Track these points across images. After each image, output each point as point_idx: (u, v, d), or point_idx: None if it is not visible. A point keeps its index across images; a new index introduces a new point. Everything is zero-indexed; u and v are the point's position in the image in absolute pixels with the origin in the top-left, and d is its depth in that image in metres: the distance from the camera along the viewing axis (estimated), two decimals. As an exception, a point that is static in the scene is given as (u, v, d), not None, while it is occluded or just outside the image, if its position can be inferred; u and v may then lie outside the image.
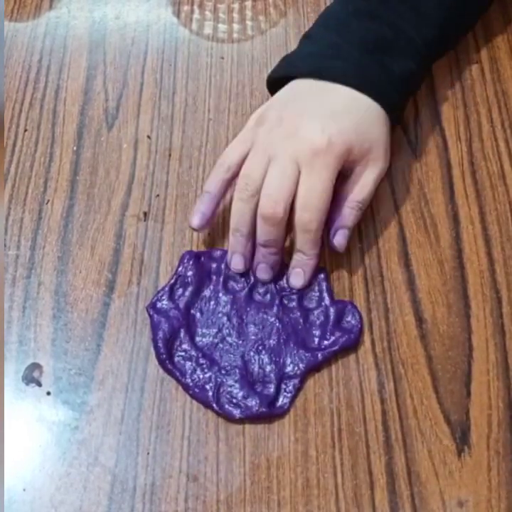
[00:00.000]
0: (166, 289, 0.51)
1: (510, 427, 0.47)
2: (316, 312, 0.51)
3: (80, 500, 0.45)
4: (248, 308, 0.51)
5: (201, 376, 0.48)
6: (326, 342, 0.49)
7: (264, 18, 0.66)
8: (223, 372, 0.49)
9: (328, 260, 0.53)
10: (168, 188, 0.56)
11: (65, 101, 0.61)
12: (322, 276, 0.52)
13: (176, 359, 0.49)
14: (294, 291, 0.51)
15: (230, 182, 0.52)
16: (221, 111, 0.60)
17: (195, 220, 0.52)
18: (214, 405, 0.47)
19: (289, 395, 0.48)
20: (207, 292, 0.52)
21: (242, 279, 0.52)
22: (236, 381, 0.48)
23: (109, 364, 0.49)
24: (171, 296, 0.51)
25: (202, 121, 0.60)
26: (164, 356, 0.49)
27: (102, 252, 0.54)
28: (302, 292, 0.51)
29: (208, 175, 0.53)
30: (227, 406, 0.47)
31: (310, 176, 0.49)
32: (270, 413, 0.47)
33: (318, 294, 0.51)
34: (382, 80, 0.53)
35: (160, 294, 0.51)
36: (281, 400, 0.48)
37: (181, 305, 0.51)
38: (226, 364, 0.49)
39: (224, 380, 0.48)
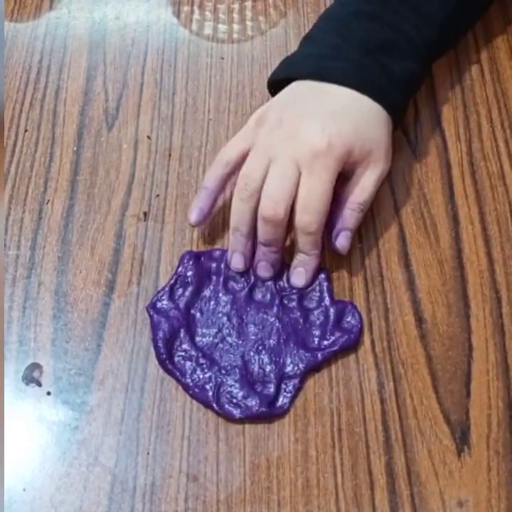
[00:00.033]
0: (166, 289, 0.51)
1: (509, 427, 0.47)
2: (316, 312, 0.51)
3: (80, 500, 0.45)
4: (248, 308, 0.51)
5: (201, 376, 0.49)
6: (325, 342, 0.49)
7: (264, 19, 0.66)
8: (223, 372, 0.49)
9: (328, 260, 0.53)
10: (168, 188, 0.57)
11: (65, 101, 0.61)
12: (323, 276, 0.52)
13: (176, 359, 0.49)
14: (294, 291, 0.51)
15: (228, 178, 0.53)
16: (221, 111, 0.60)
17: (193, 216, 0.53)
18: (214, 405, 0.47)
19: (288, 395, 0.48)
20: (207, 292, 0.52)
21: (242, 279, 0.52)
22: (236, 381, 0.48)
23: (109, 364, 0.49)
24: (171, 296, 0.51)
25: (202, 122, 0.60)
26: (164, 356, 0.49)
27: (102, 252, 0.54)
28: (302, 292, 0.51)
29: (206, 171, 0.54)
30: (227, 406, 0.47)
31: (310, 177, 0.49)
32: (270, 413, 0.47)
33: (318, 294, 0.51)
34: (382, 81, 0.53)
35: (160, 294, 0.51)
36: (281, 400, 0.48)
37: (181, 305, 0.51)
38: (226, 364, 0.49)
39: (224, 380, 0.48)
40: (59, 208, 0.56)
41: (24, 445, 0.47)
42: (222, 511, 0.45)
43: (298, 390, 0.48)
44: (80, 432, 0.47)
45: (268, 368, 0.49)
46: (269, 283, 0.52)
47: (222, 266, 0.52)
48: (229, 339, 0.50)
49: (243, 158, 0.51)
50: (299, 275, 0.51)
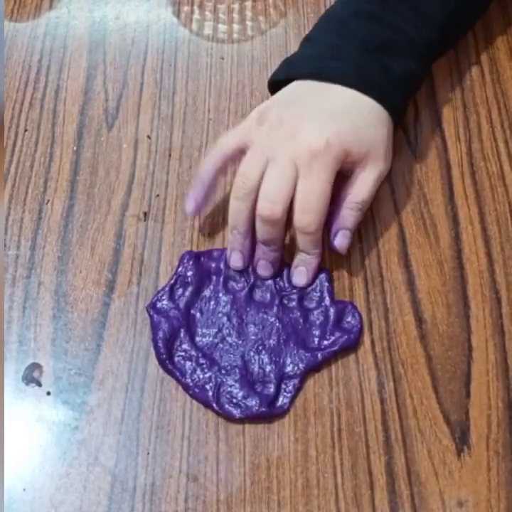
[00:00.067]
0: (166, 289, 0.51)
1: (509, 427, 0.47)
2: (315, 312, 0.51)
3: (80, 500, 0.45)
4: (248, 308, 0.51)
5: (201, 376, 0.49)
6: (325, 342, 0.49)
7: (264, 19, 0.66)
8: (223, 372, 0.49)
9: (329, 260, 0.53)
10: (168, 188, 0.57)
11: (65, 101, 0.61)
12: (324, 276, 0.52)
13: (176, 359, 0.49)
14: (294, 291, 0.51)
15: (223, 170, 0.53)
16: (221, 111, 0.60)
17: (188, 207, 0.53)
18: (214, 405, 0.47)
19: (288, 394, 0.48)
20: (207, 292, 0.52)
21: (242, 279, 0.52)
22: (236, 381, 0.48)
23: (109, 364, 0.49)
24: (171, 296, 0.51)
25: (202, 121, 0.60)
26: (164, 356, 0.49)
27: (102, 252, 0.54)
28: (302, 292, 0.51)
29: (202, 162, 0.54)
30: (227, 406, 0.47)
31: (308, 177, 0.49)
32: (270, 413, 0.47)
33: (318, 294, 0.51)
34: (382, 80, 0.53)
35: (160, 294, 0.51)
36: (281, 400, 0.48)
37: (181, 305, 0.51)
38: (226, 364, 0.49)
39: (224, 380, 0.48)
40: (59, 207, 0.56)
41: (24, 445, 0.47)
42: (222, 511, 0.45)
43: (298, 390, 0.48)
44: (80, 432, 0.47)
45: (268, 368, 0.49)
46: (269, 283, 0.52)
47: (222, 266, 0.52)
48: (229, 339, 0.50)
49: (239, 152, 0.52)
50: (300, 274, 0.51)
